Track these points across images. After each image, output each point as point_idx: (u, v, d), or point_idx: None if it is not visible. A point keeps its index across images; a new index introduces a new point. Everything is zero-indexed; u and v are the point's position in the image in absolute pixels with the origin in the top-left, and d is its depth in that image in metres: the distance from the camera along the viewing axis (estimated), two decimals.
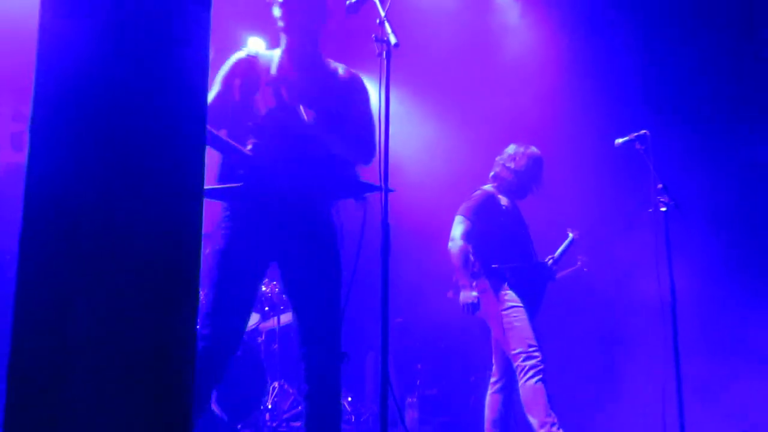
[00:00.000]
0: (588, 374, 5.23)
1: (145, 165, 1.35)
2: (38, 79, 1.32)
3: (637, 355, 4.95)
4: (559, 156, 5.18)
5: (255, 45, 5.22)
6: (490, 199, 4.08)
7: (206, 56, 1.45)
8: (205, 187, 2.39)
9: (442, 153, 5.74)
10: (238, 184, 2.64)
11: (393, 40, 2.43)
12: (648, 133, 3.86)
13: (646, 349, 4.66)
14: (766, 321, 4.83)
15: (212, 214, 2.69)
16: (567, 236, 4.45)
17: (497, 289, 3.90)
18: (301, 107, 2.70)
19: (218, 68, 2.82)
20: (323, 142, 2.71)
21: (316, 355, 2.64)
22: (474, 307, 3.79)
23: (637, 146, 3.87)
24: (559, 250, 4.37)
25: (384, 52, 2.44)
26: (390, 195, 2.43)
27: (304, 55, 2.84)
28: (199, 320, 2.91)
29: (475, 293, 3.85)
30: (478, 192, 4.13)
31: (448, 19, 5.71)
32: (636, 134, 3.88)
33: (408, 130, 5.70)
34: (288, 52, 2.84)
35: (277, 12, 2.77)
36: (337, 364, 2.67)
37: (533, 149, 4.21)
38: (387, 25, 2.45)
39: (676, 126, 5.03)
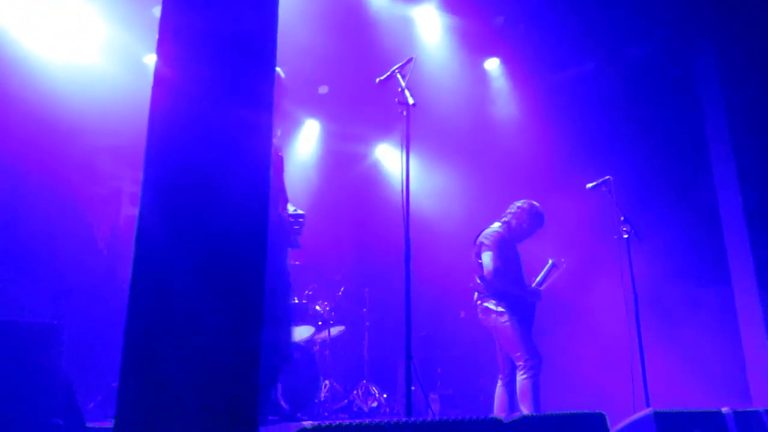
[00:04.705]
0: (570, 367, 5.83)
1: (222, 239, 1.71)
2: (147, 164, 1.67)
3: (608, 347, 5.54)
4: (545, 197, 5.67)
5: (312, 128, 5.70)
6: (503, 238, 4.62)
7: (268, 161, 1.89)
8: None
9: (452, 196, 6.41)
10: None
11: (411, 101, 2.97)
12: (611, 178, 4.53)
13: (616, 340, 5.24)
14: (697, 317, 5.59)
15: None
16: (547, 262, 4.78)
17: (504, 307, 4.48)
18: None
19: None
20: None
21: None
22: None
23: (603, 189, 4.54)
24: (541, 274, 4.73)
25: (404, 111, 3.06)
26: (411, 237, 2.97)
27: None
28: None
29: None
30: (494, 231, 4.63)
31: (451, 88, 6.44)
32: (602, 179, 4.56)
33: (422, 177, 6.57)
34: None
35: None
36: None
37: (536, 206, 4.72)
38: (407, 91, 3.05)
39: (635, 172, 5.85)
